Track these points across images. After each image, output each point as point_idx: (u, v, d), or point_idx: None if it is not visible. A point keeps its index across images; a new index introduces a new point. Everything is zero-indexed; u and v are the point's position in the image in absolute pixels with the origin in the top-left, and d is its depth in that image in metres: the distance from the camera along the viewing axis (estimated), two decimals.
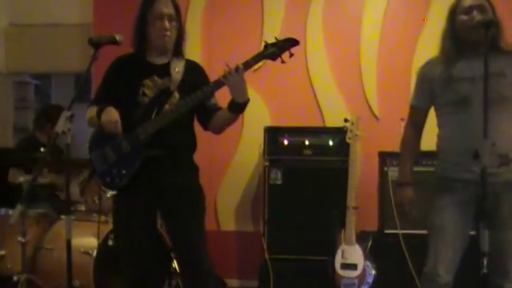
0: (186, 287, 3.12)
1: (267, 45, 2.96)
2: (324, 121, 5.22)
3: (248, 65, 2.91)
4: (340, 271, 4.35)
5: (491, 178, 2.74)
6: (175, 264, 3.72)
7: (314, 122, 5.17)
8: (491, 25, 2.85)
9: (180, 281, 3.62)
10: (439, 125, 3.13)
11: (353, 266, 4.34)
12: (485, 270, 2.63)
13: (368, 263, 4.34)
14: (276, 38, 2.98)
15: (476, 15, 2.95)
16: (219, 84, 2.92)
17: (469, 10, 2.99)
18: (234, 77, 2.87)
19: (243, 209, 5.29)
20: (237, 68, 2.86)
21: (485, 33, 2.82)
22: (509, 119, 2.99)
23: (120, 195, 3.05)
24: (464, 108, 2.95)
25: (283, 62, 2.96)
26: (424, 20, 5.15)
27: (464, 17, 3.00)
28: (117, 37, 2.85)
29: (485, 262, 2.62)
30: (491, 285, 2.91)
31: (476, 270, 2.63)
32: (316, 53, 5.27)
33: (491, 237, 2.67)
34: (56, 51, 5.77)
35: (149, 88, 2.99)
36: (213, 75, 3.09)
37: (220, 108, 3.07)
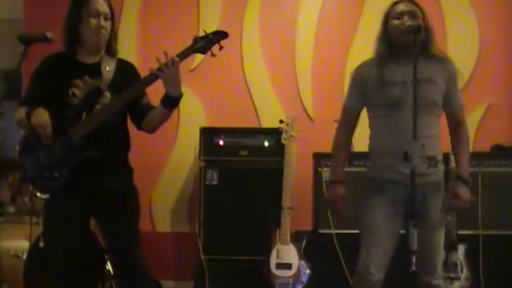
0: None
1: (196, 39, 2.92)
2: (259, 122, 5.26)
3: (181, 57, 2.86)
4: (275, 271, 4.39)
5: (420, 179, 2.82)
6: (109, 266, 3.67)
7: (250, 123, 5.18)
8: (420, 30, 2.92)
9: (114, 284, 3.57)
10: (371, 127, 3.19)
11: (288, 266, 4.38)
12: (414, 268, 2.71)
13: (303, 262, 4.40)
14: (205, 31, 2.94)
15: (407, 21, 3.02)
16: (152, 78, 2.86)
17: (400, 15, 3.06)
18: (170, 70, 2.82)
19: (178, 210, 5.26)
20: (173, 60, 2.82)
21: (414, 38, 2.90)
22: (438, 123, 3.10)
23: (52, 198, 2.97)
24: (395, 111, 3.00)
25: (213, 55, 2.92)
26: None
27: (396, 22, 3.06)
28: (48, 34, 2.78)
29: (414, 260, 2.70)
30: (420, 282, 2.99)
31: (405, 268, 2.71)
32: (252, 54, 5.31)
33: (420, 237, 2.75)
34: None
35: (79, 88, 2.92)
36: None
37: (153, 107, 3.02)
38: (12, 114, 2.96)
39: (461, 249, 4.48)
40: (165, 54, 2.82)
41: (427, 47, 3.05)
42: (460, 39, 5.22)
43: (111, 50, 3.04)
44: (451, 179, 4.07)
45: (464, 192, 3.08)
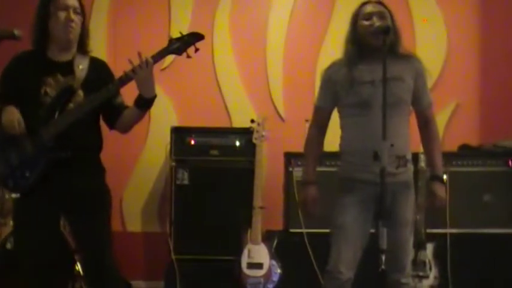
0: None
1: (171, 40, 2.91)
2: (230, 122, 5.26)
3: (155, 58, 2.86)
4: (246, 270, 4.39)
5: (389, 178, 2.86)
6: (78, 267, 3.63)
7: (221, 123, 5.18)
8: (389, 31, 2.96)
9: (83, 284, 3.54)
10: (342, 127, 3.20)
11: (259, 265, 4.39)
12: (383, 267, 2.73)
13: (274, 262, 4.41)
14: (180, 33, 2.94)
15: (376, 21, 3.05)
16: (126, 79, 2.84)
17: (369, 16, 3.09)
18: (143, 71, 2.81)
19: (149, 209, 5.24)
20: (147, 62, 2.81)
21: (383, 38, 2.94)
22: (407, 122, 3.12)
23: (23, 197, 2.94)
24: (365, 111, 3.03)
25: (188, 56, 2.92)
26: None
27: (365, 23, 3.09)
28: (16, 32, 2.71)
29: (383, 259, 2.73)
30: (389, 280, 3.03)
31: (375, 266, 2.73)
32: (224, 54, 5.30)
33: (389, 235, 2.78)
34: None
35: (51, 87, 2.89)
36: (119, 73, 3.01)
37: (126, 107, 3.01)
38: None
39: (429, 247, 4.52)
40: (139, 55, 2.81)
41: (394, 46, 3.08)
42: (428, 40, 5.28)
43: (83, 47, 3.01)
44: (421, 178, 4.14)
45: (441, 191, 3.14)
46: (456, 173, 4.61)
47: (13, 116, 2.79)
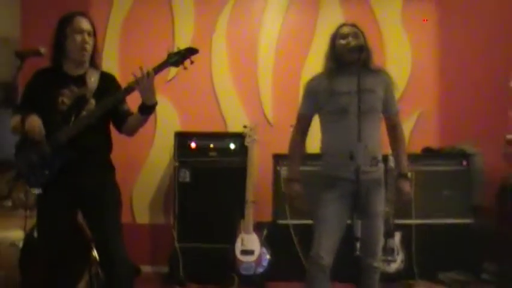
0: (105, 274, 3.03)
1: (170, 54, 2.92)
2: (226, 127, 5.23)
3: (156, 70, 2.85)
4: (240, 256, 4.37)
5: (364, 176, 2.86)
6: (95, 253, 3.60)
7: (218, 128, 5.15)
8: (363, 49, 2.98)
9: (99, 268, 3.50)
10: (322, 131, 3.20)
11: (251, 252, 4.38)
12: (358, 253, 2.73)
13: (264, 249, 4.39)
14: (178, 48, 2.94)
15: (351, 41, 3.07)
16: (130, 89, 2.85)
17: (345, 36, 3.11)
18: (145, 82, 2.81)
19: (155, 204, 5.20)
20: (148, 73, 2.81)
21: (357, 55, 2.95)
22: (378, 127, 3.13)
23: (44, 192, 2.92)
24: (342, 117, 3.03)
25: (185, 68, 2.91)
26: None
27: (342, 42, 3.11)
28: (42, 50, 2.75)
29: (358, 246, 2.72)
30: (363, 264, 3.03)
31: (351, 252, 2.72)
32: (220, 68, 5.29)
33: (363, 225, 2.78)
34: None
35: (67, 97, 2.89)
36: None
37: (132, 113, 3.00)
38: (8, 120, 2.92)
39: (397, 236, 4.53)
40: (141, 68, 2.81)
41: (367, 62, 3.09)
42: (395, 57, 5.29)
43: (94, 63, 3.03)
44: (390, 176, 4.13)
45: (407, 187, 3.14)
46: (420, 171, 4.64)
47: (34, 122, 2.79)
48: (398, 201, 3.23)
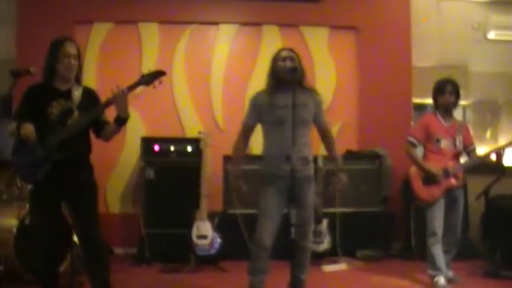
0: (84, 254, 3.02)
1: (143, 75, 2.96)
2: (184, 133, 5.18)
3: (130, 89, 2.89)
4: (196, 240, 4.33)
5: (297, 174, 2.90)
6: (75, 238, 3.54)
7: (177, 134, 5.10)
8: (297, 70, 3.02)
9: (80, 251, 3.43)
10: (264, 137, 3.22)
11: (205, 237, 4.34)
12: (293, 236, 2.75)
13: (216, 234, 4.36)
14: (149, 70, 3.00)
15: (288, 63, 3.10)
16: (108, 103, 2.88)
17: (284, 59, 3.13)
18: (121, 98, 2.84)
19: (125, 196, 5.10)
20: (123, 91, 2.84)
21: (293, 75, 2.98)
22: (309, 134, 3.17)
23: (35, 188, 2.94)
24: (280, 127, 3.05)
25: (154, 87, 2.96)
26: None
27: (280, 63, 3.13)
28: (31, 69, 2.85)
29: (293, 230, 2.74)
30: (297, 245, 3.06)
31: (287, 235, 2.74)
32: (179, 84, 5.24)
33: (297, 214, 2.81)
34: None
35: (56, 108, 2.90)
36: (104, 97, 2.98)
37: (108, 123, 3.01)
38: (6, 128, 2.92)
39: (324, 222, 4.60)
40: (117, 86, 2.85)
41: (301, 81, 3.13)
42: (323, 77, 5.35)
43: (78, 80, 3.03)
44: (318, 173, 4.20)
45: (345, 178, 3.20)
46: (343, 169, 4.70)
47: (28, 129, 2.78)
48: (337, 189, 3.27)
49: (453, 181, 3.74)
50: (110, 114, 2.99)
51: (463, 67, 5.55)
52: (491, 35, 5.62)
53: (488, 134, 5.68)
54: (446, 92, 3.82)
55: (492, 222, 4.46)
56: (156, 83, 2.94)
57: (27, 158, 2.84)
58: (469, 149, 3.88)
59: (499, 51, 5.64)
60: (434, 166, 3.74)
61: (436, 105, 3.93)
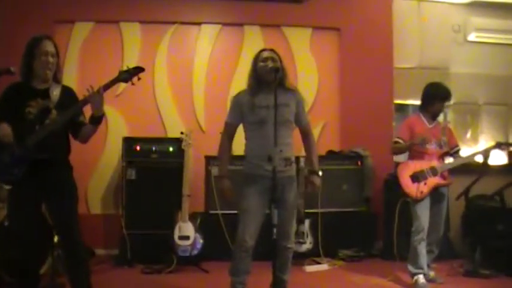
0: (65, 255, 2.97)
1: (120, 72, 2.91)
2: (166, 133, 5.16)
3: (106, 87, 2.84)
4: (178, 241, 4.32)
5: (279, 174, 2.89)
6: (56, 239, 3.49)
7: (159, 134, 5.07)
8: (279, 71, 3.02)
9: (60, 251, 3.39)
10: (246, 138, 3.21)
11: (187, 237, 4.33)
12: (274, 237, 2.75)
13: (198, 234, 4.35)
14: (127, 66, 2.94)
15: (270, 63, 3.10)
16: (85, 102, 2.84)
17: (265, 59, 3.13)
18: (96, 97, 2.81)
19: (107, 197, 5.06)
20: (98, 90, 2.81)
21: (274, 75, 2.98)
22: (291, 135, 3.17)
23: (14, 188, 2.86)
24: (262, 127, 3.05)
25: (133, 84, 2.91)
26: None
27: (262, 64, 3.12)
28: (12, 69, 2.74)
29: (274, 231, 2.74)
30: (279, 246, 3.05)
31: (269, 236, 2.74)
32: (161, 84, 5.22)
33: (279, 214, 2.80)
34: None
35: (33, 107, 2.83)
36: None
37: (86, 124, 2.96)
38: None
39: (307, 222, 4.62)
40: (91, 87, 2.82)
41: (283, 81, 3.12)
42: (305, 78, 5.38)
43: (57, 79, 2.97)
44: (301, 174, 4.22)
45: (318, 181, 3.20)
46: (324, 170, 4.69)
47: (4, 130, 2.73)
48: (309, 193, 3.28)
49: (440, 179, 3.81)
50: (87, 114, 2.95)
51: (444, 68, 5.64)
52: (472, 36, 5.72)
53: (468, 134, 5.78)
54: (443, 101, 3.88)
55: (472, 222, 4.54)
56: (135, 79, 2.90)
57: (4, 159, 2.78)
58: (454, 150, 3.95)
59: (479, 53, 5.75)
60: (419, 164, 3.81)
61: (424, 107, 3.97)
